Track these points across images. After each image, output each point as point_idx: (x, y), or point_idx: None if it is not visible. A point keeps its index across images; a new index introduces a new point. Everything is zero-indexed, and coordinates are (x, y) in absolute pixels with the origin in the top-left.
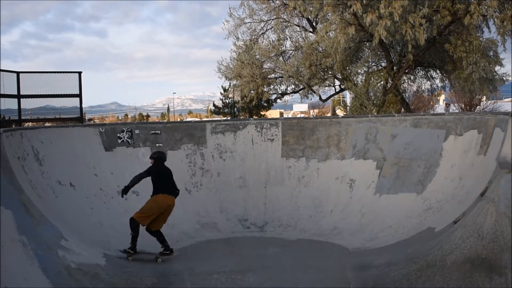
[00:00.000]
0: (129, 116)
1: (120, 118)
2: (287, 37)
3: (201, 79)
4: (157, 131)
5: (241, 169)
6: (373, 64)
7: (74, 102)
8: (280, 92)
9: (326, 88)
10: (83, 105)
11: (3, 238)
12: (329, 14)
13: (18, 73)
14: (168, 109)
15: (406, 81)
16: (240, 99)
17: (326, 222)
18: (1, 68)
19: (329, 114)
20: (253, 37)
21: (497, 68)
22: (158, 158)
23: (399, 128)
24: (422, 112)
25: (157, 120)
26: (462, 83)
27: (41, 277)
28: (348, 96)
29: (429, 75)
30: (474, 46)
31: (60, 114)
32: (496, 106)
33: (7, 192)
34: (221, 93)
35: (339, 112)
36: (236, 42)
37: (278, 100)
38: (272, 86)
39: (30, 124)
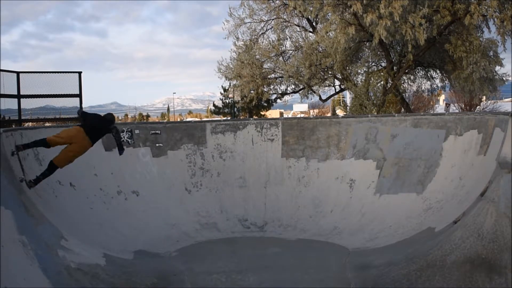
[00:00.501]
0: (129, 116)
1: (120, 118)
2: (287, 37)
3: (201, 79)
4: (157, 131)
5: (241, 169)
6: (373, 64)
7: (74, 102)
8: (280, 92)
9: (326, 88)
10: (83, 105)
11: (3, 238)
12: (329, 14)
13: (18, 73)
14: (168, 109)
15: (406, 81)
16: (240, 99)
17: (326, 222)
18: (1, 68)
19: (329, 114)
20: (253, 37)
21: (497, 68)
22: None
23: (399, 128)
24: (422, 112)
25: (157, 120)
26: (462, 83)
27: (41, 277)
28: (348, 96)
29: (429, 75)
30: (474, 46)
31: (60, 114)
32: (496, 106)
33: (7, 192)
34: (221, 93)
35: (339, 112)
36: (236, 42)
37: (278, 100)
38: (272, 86)
39: (30, 124)
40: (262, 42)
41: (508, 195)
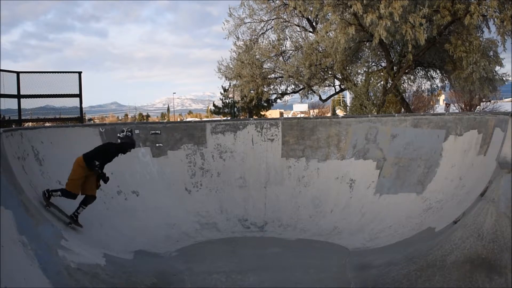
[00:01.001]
0: (129, 116)
1: (120, 118)
2: (287, 37)
3: (201, 79)
4: (157, 131)
5: (241, 169)
6: (373, 64)
7: (74, 102)
8: (280, 92)
9: (326, 88)
10: (83, 105)
11: (3, 238)
12: (329, 14)
13: (18, 73)
14: (168, 109)
15: (406, 81)
16: (240, 99)
17: (326, 222)
18: (1, 68)
19: (329, 114)
20: (253, 37)
21: (497, 68)
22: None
23: (399, 128)
24: (422, 112)
25: (157, 120)
26: (462, 83)
27: (41, 277)
28: (348, 96)
29: (429, 75)
30: (474, 46)
31: (60, 114)
32: (496, 106)
33: (7, 192)
34: (221, 93)
35: (339, 112)
36: (236, 42)
37: (278, 100)
38: (272, 86)
39: (30, 124)
40: (262, 42)
41: (508, 195)
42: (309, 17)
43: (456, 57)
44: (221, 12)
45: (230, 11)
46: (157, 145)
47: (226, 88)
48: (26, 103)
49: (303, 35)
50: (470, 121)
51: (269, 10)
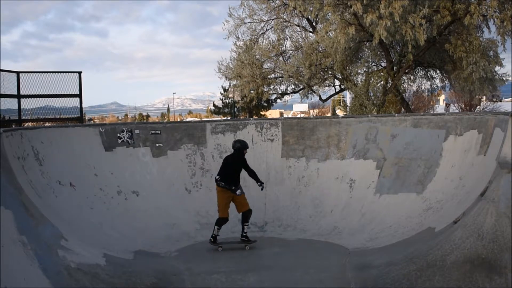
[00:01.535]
0: (129, 116)
1: (120, 118)
2: (287, 37)
3: (201, 79)
4: (157, 131)
5: None
6: (373, 64)
7: (74, 102)
8: (280, 92)
9: (326, 88)
10: (83, 105)
11: (3, 238)
12: (329, 14)
13: (18, 73)
14: (168, 109)
15: (406, 81)
16: (240, 99)
17: (326, 222)
18: (1, 68)
19: (329, 114)
20: (253, 37)
21: (497, 68)
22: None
23: (399, 128)
24: (422, 112)
25: (157, 120)
26: (462, 83)
27: (41, 277)
28: (348, 96)
29: (429, 75)
30: (474, 46)
31: (60, 114)
32: (496, 106)
33: (7, 192)
34: (221, 93)
35: (339, 112)
36: (236, 42)
37: (278, 100)
38: (272, 86)
39: (30, 124)
40: (262, 42)
41: (508, 195)
42: (309, 17)
43: (456, 57)
44: (222, 12)
45: (230, 11)
46: (157, 145)
47: (226, 88)
48: (26, 103)
49: (303, 35)
50: (470, 121)
51: (269, 10)
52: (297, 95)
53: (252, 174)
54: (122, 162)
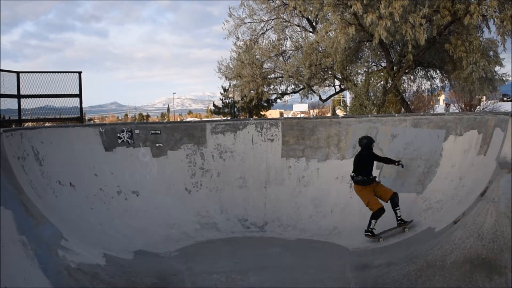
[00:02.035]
0: (129, 116)
1: (120, 118)
2: (287, 37)
3: (201, 79)
4: (157, 131)
5: (241, 169)
6: (373, 64)
7: (74, 102)
8: (280, 92)
9: (326, 88)
10: (83, 105)
11: (3, 238)
12: (329, 14)
13: (18, 73)
14: (168, 109)
15: (406, 81)
16: (240, 99)
17: (326, 222)
18: (1, 68)
19: (329, 114)
20: (253, 37)
21: (497, 68)
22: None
23: (399, 128)
24: (422, 112)
25: (157, 120)
26: (462, 83)
27: (41, 277)
28: (348, 96)
29: (429, 75)
30: (474, 46)
31: (60, 114)
32: (496, 106)
33: (7, 192)
34: (221, 93)
35: (339, 112)
36: (236, 42)
37: (278, 100)
38: (272, 86)
39: (30, 124)
40: (262, 42)
41: (508, 195)
42: (309, 17)
43: (456, 57)
44: (222, 12)
45: (230, 11)
46: (157, 145)
47: (226, 88)
48: (26, 103)
49: (303, 35)
50: (470, 121)
51: (269, 10)
52: (297, 95)
53: (387, 160)
54: (122, 162)
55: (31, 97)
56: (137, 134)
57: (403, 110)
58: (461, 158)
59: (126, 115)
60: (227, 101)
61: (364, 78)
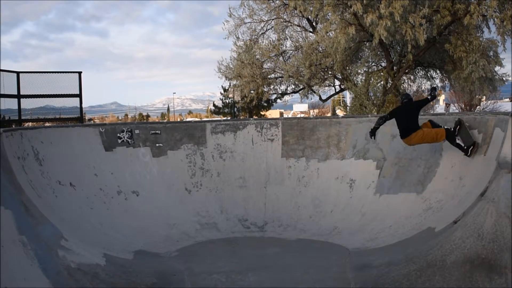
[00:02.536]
0: (129, 116)
1: (120, 118)
2: (287, 37)
3: (201, 79)
4: (157, 131)
5: (241, 169)
6: (373, 64)
7: (74, 102)
8: (280, 92)
9: (326, 88)
10: (83, 105)
11: (3, 238)
12: (329, 14)
13: (18, 73)
14: (168, 109)
15: (406, 81)
16: (240, 99)
17: (326, 222)
18: (1, 68)
19: (329, 114)
20: (253, 37)
21: (497, 68)
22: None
23: None
24: (422, 112)
25: (157, 120)
26: (462, 83)
27: (41, 277)
28: (348, 96)
29: (429, 75)
30: (474, 46)
31: (60, 114)
32: (496, 106)
33: (7, 192)
34: (221, 93)
35: (339, 112)
36: (236, 42)
37: (278, 100)
38: (272, 86)
39: (30, 124)
40: (262, 42)
41: (508, 195)
42: (309, 17)
43: (456, 57)
44: (222, 12)
45: (230, 11)
46: (157, 145)
47: (226, 88)
48: (26, 103)
49: (303, 35)
50: (470, 121)
51: (269, 10)
52: (297, 95)
53: (425, 100)
54: (122, 162)
55: (31, 97)
56: (137, 134)
57: None
58: (461, 158)
59: (126, 115)
60: (227, 101)
61: (364, 78)
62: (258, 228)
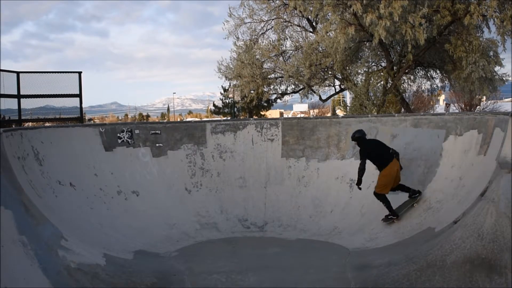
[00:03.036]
0: (129, 116)
1: (120, 118)
2: (287, 37)
3: (201, 79)
4: (157, 131)
5: (241, 169)
6: (373, 64)
7: (74, 102)
8: (280, 92)
9: (326, 88)
10: (83, 105)
11: (3, 238)
12: (329, 14)
13: (18, 73)
14: (168, 109)
15: (406, 81)
16: (240, 99)
17: (326, 222)
18: (1, 68)
19: (329, 114)
20: (253, 37)
21: (497, 68)
22: (358, 138)
23: (399, 128)
24: (422, 112)
25: (157, 120)
26: (462, 83)
27: (41, 277)
28: (348, 96)
29: (429, 75)
30: (474, 46)
31: (60, 114)
32: (496, 106)
33: (7, 192)
34: (221, 93)
35: (339, 112)
36: (236, 42)
37: (278, 100)
38: (272, 86)
39: (30, 124)
40: (262, 42)
41: (508, 195)
42: (309, 17)
43: (456, 57)
44: (222, 12)
45: (230, 11)
46: (157, 145)
47: (226, 88)
48: (26, 103)
49: (303, 35)
50: (470, 121)
51: (269, 10)
52: (297, 95)
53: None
54: (122, 162)
55: (31, 97)
56: (137, 134)
57: (403, 110)
58: (461, 158)
59: (126, 115)
60: (227, 101)
61: (364, 78)
62: (258, 228)
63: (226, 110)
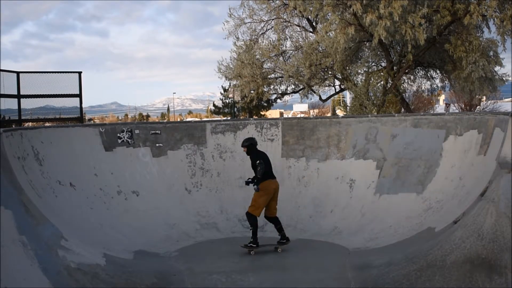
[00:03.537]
0: (129, 116)
1: (120, 118)
2: (287, 37)
3: (201, 79)
4: (157, 131)
5: (241, 169)
6: (373, 64)
7: (74, 102)
8: (280, 92)
9: (326, 88)
10: (83, 105)
11: (3, 238)
12: (329, 14)
13: (18, 73)
14: (168, 109)
15: (406, 81)
16: (240, 99)
17: (326, 222)
18: (1, 68)
19: (329, 114)
20: (253, 37)
21: (497, 68)
22: (248, 146)
23: (399, 128)
24: (422, 112)
25: (157, 120)
26: (462, 83)
27: (41, 277)
28: (348, 96)
29: (429, 75)
30: (474, 46)
31: (60, 114)
32: (496, 106)
33: (7, 192)
34: (221, 93)
35: (339, 112)
36: (236, 42)
37: (278, 100)
38: (272, 86)
39: (30, 124)
40: (262, 42)
41: (508, 195)
42: (309, 17)
43: (456, 57)
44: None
45: (230, 11)
46: (157, 145)
47: (226, 88)
48: (26, 103)
49: (303, 35)
50: (470, 121)
51: (269, 10)
52: (297, 95)
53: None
54: (122, 162)
55: (31, 97)
56: (137, 134)
57: (403, 110)
58: (461, 158)
59: (126, 115)
60: (227, 101)
61: (364, 78)
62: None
63: (226, 110)
